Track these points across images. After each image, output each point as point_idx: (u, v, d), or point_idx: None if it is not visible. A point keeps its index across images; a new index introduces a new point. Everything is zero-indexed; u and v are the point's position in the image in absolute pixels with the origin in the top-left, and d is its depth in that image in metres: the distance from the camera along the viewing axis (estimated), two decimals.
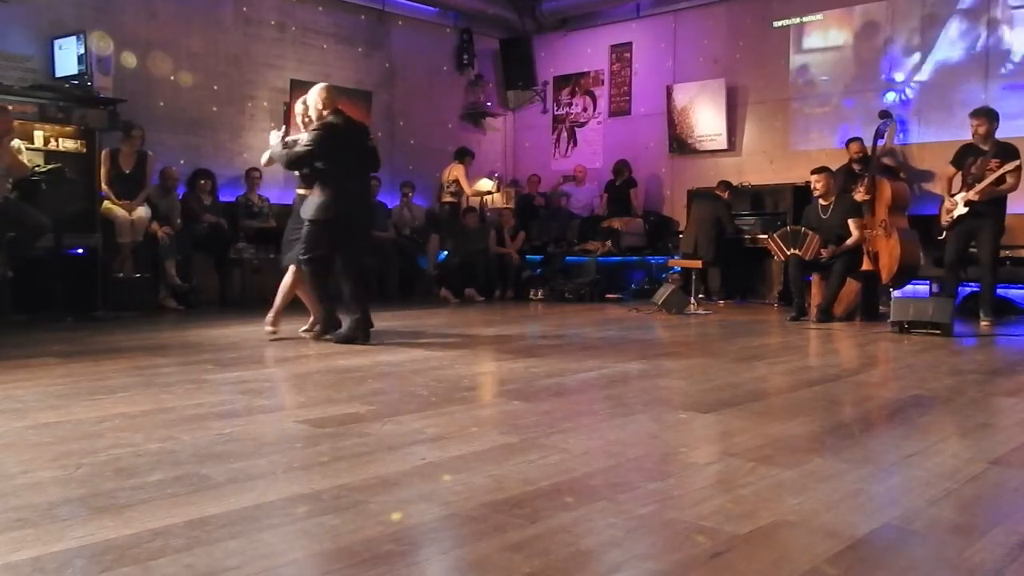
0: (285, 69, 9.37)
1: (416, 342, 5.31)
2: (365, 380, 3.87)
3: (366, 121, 9.89)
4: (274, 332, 5.38)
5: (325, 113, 5.19)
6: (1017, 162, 6.28)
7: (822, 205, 7.13)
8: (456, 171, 9.24)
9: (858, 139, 8.26)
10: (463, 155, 9.55)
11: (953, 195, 6.56)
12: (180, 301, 7.65)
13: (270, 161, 5.59)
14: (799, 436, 2.88)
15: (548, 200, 10.83)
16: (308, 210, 5.18)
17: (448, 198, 9.27)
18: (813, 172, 7.20)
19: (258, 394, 3.52)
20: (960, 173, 6.57)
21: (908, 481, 2.34)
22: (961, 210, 6.40)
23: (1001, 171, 6.28)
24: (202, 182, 8.27)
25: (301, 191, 5.50)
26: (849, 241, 6.89)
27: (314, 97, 5.23)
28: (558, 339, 5.81)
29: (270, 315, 5.44)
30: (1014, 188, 6.42)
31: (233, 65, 9.02)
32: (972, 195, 6.34)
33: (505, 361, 4.51)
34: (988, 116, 6.47)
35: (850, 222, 6.91)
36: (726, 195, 9.09)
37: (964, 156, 6.58)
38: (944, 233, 6.66)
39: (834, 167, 7.50)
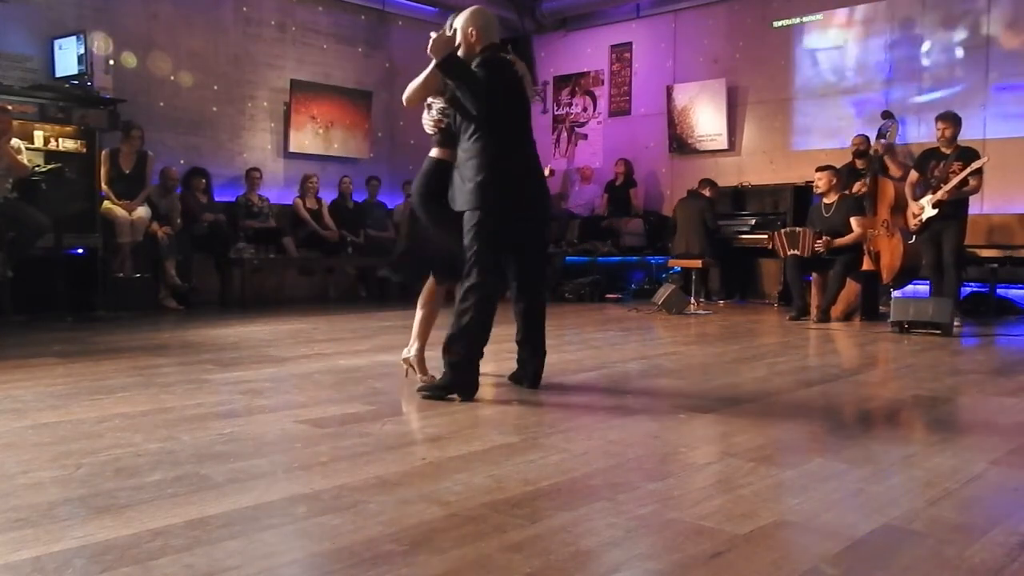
0: (285, 69, 9.37)
1: None
2: (365, 380, 3.87)
3: (365, 122, 9.96)
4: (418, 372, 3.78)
5: (478, 49, 3.57)
6: (981, 161, 6.34)
7: (825, 204, 7.14)
8: None
9: (862, 135, 8.25)
10: None
11: (916, 200, 6.61)
12: (180, 301, 7.65)
13: (418, 95, 3.66)
14: (799, 436, 2.88)
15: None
16: (464, 194, 3.48)
17: None
18: (817, 170, 7.22)
19: (258, 394, 3.52)
20: (922, 177, 6.64)
21: (908, 481, 2.34)
22: (930, 212, 6.47)
23: (966, 172, 6.35)
24: (196, 181, 8.24)
25: (437, 153, 3.66)
26: (849, 237, 6.89)
27: (463, 23, 3.59)
28: (558, 339, 5.80)
29: (412, 352, 3.80)
30: (976, 190, 6.55)
31: (233, 65, 9.02)
32: (940, 195, 6.40)
33: (505, 361, 4.50)
34: (953, 120, 6.57)
35: (853, 220, 6.92)
36: (707, 191, 9.10)
37: (927, 160, 6.66)
38: (914, 238, 6.73)
39: (836, 167, 7.50)
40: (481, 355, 3.51)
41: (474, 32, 3.57)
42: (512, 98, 3.60)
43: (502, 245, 3.55)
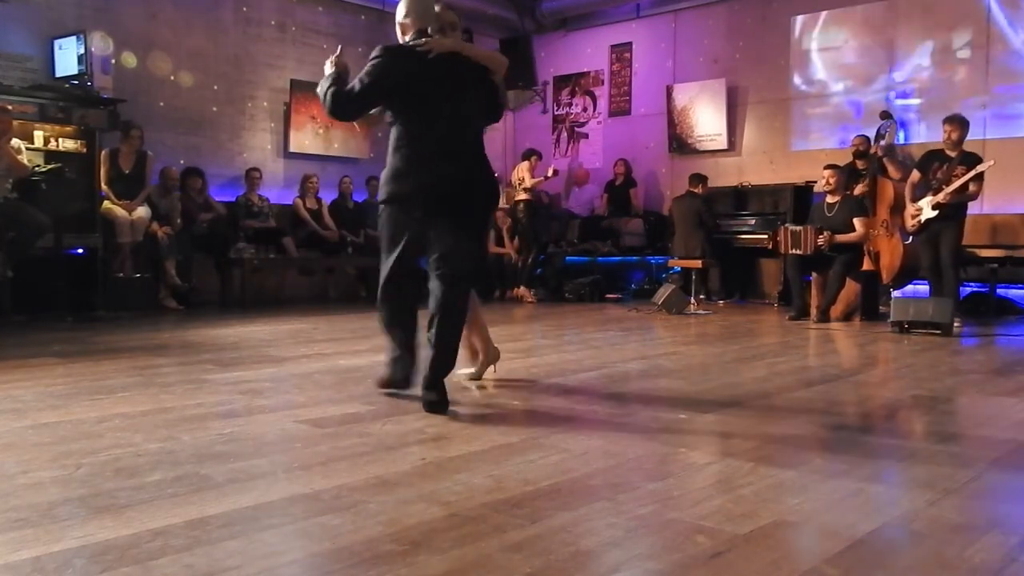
0: (285, 69, 9.37)
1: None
2: (365, 380, 3.87)
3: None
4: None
5: (407, 39, 3.49)
6: (986, 164, 6.34)
7: (828, 203, 7.15)
8: (522, 170, 9.29)
9: (863, 135, 8.24)
10: (530, 154, 9.55)
11: (915, 201, 6.61)
12: (180, 301, 7.65)
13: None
14: (799, 436, 2.88)
15: (550, 199, 10.83)
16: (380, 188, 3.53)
17: (522, 195, 9.25)
18: (826, 168, 7.22)
19: (258, 394, 3.52)
20: (923, 178, 6.64)
21: (908, 481, 2.34)
22: (929, 213, 6.48)
23: (968, 176, 6.34)
24: (192, 181, 8.22)
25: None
26: (851, 235, 6.89)
27: (397, 10, 3.53)
28: (558, 339, 5.80)
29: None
30: (976, 196, 6.53)
31: (233, 65, 9.02)
32: (940, 198, 6.40)
33: (505, 361, 4.50)
34: (961, 123, 6.56)
35: (855, 221, 6.93)
36: (699, 189, 9.07)
37: (930, 161, 6.66)
38: (911, 238, 6.73)
39: (841, 166, 7.51)
40: (407, 349, 3.42)
41: (407, 21, 3.48)
42: (414, 82, 3.37)
43: (417, 241, 3.34)
